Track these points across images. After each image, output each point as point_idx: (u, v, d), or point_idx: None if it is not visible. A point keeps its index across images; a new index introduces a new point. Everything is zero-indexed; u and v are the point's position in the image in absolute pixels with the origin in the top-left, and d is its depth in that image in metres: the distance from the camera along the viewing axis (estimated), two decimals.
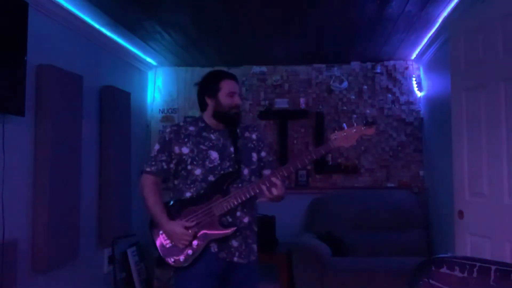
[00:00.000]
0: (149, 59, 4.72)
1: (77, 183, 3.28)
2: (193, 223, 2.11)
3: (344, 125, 2.12)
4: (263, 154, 2.31)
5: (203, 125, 2.25)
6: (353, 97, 4.80)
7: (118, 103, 3.98)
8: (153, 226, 2.20)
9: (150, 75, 5.00)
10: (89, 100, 3.59)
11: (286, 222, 4.39)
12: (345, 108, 4.79)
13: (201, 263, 2.11)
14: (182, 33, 3.82)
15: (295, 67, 4.88)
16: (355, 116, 4.70)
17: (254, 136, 2.31)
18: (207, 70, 2.40)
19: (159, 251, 2.17)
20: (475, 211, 2.59)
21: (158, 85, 5.01)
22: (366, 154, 4.74)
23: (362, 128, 2.12)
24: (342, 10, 3.32)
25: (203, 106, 2.27)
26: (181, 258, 2.11)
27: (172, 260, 2.13)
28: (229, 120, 2.22)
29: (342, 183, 4.74)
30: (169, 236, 2.13)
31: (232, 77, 2.25)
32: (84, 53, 3.60)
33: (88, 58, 3.65)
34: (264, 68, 4.92)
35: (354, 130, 2.12)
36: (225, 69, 4.88)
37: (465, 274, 1.33)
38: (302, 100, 4.81)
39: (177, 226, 2.10)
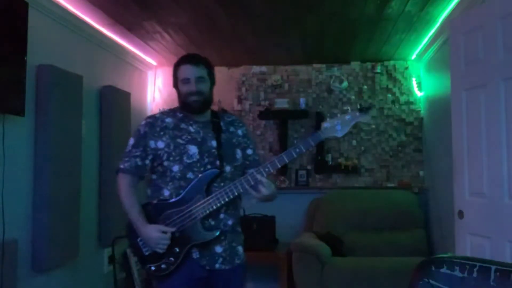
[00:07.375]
0: (149, 59, 4.71)
1: (77, 183, 3.28)
2: (173, 228, 1.95)
3: (338, 113, 2.01)
4: (249, 151, 2.16)
5: (181, 115, 2.09)
6: (353, 97, 4.80)
7: (118, 103, 3.98)
8: (131, 232, 2.04)
9: (150, 75, 5.00)
10: (89, 100, 3.59)
11: (286, 222, 4.40)
12: (345, 108, 4.78)
13: (183, 270, 1.97)
14: (182, 33, 3.82)
15: (295, 67, 4.88)
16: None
17: (240, 132, 2.16)
18: None
19: (138, 258, 2.03)
20: (475, 211, 2.59)
21: (158, 85, 5.01)
22: (366, 154, 4.74)
23: (357, 113, 2.00)
24: (342, 10, 3.32)
25: None
26: (162, 265, 1.97)
27: (153, 268, 1.98)
28: (187, 109, 2.05)
29: (342, 183, 4.73)
30: (146, 241, 1.98)
31: (188, 61, 2.03)
32: (84, 53, 3.59)
33: (88, 58, 3.65)
34: (264, 68, 4.91)
35: (348, 117, 1.99)
36: (225, 69, 4.94)
37: (465, 274, 1.33)
38: (302, 100, 4.81)
39: (153, 231, 1.95)
